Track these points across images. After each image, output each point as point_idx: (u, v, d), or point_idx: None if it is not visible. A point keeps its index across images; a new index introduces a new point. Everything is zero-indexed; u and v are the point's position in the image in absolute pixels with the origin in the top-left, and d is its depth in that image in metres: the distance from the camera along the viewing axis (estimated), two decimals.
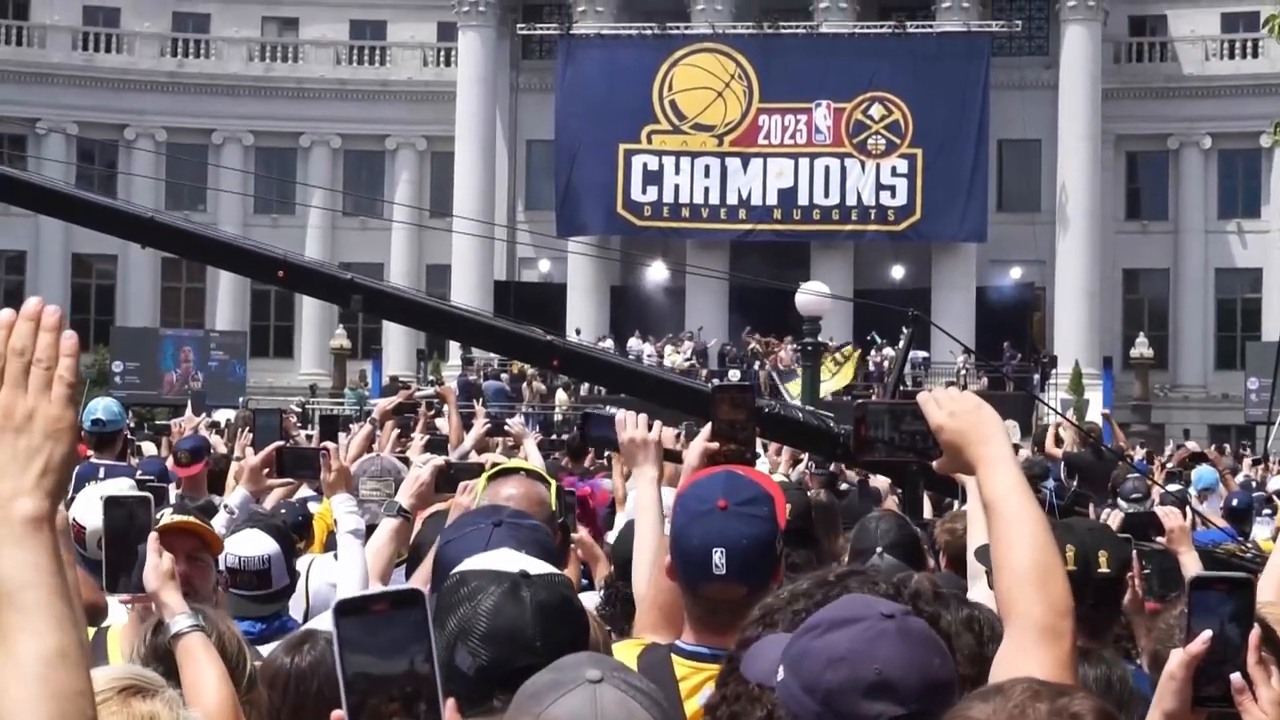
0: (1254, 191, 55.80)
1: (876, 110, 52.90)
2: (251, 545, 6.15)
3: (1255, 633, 2.72)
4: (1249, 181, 55.75)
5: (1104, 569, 4.56)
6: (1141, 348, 52.78)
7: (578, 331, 46.86)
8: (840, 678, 2.50)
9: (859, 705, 2.48)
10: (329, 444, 7.33)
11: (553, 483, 4.95)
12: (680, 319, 53.03)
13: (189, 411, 22.11)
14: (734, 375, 43.94)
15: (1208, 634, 2.69)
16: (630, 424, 5.02)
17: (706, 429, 4.67)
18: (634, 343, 50.08)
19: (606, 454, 11.97)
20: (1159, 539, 6.08)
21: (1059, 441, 18.75)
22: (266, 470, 7.10)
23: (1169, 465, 20.77)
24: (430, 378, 49.06)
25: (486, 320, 12.44)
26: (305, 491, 9.27)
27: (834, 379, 43.88)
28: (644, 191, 53.96)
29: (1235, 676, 2.67)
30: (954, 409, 3.19)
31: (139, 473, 9.67)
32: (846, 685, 2.49)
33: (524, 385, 48.44)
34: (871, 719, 2.48)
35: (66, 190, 11.24)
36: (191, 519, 5.35)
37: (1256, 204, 55.65)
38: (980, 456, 3.11)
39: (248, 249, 10.94)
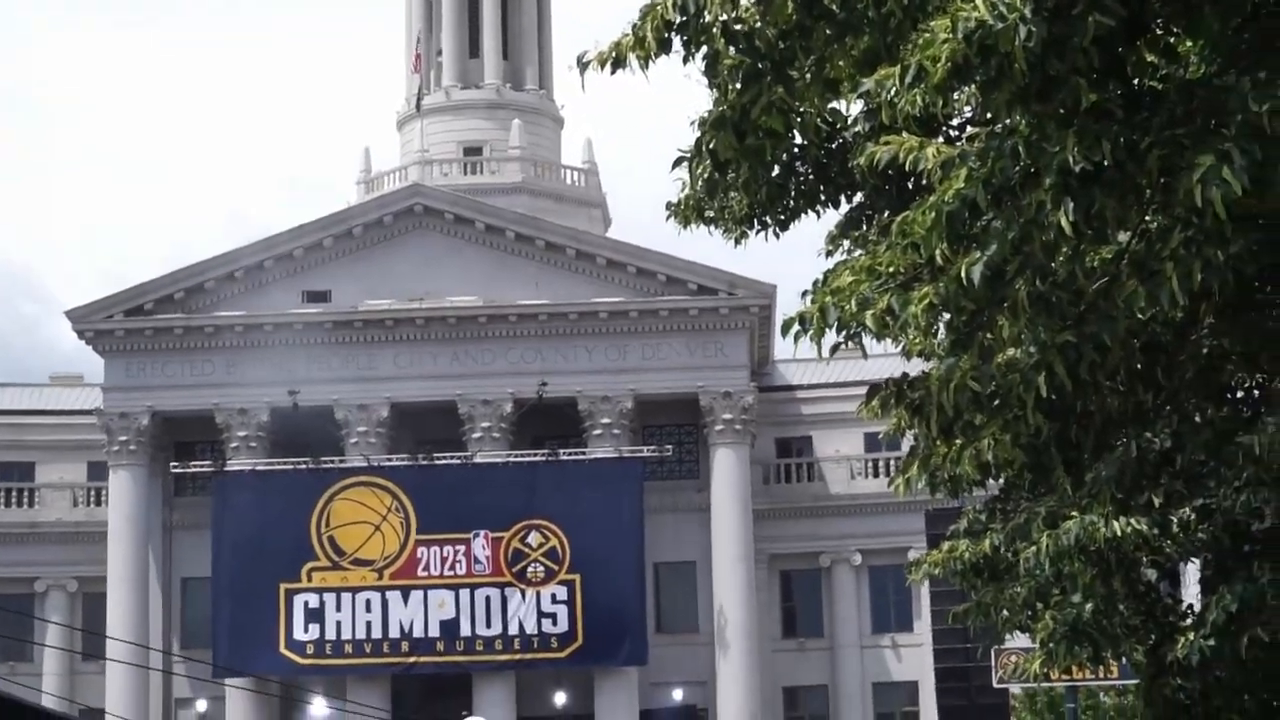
0: (905, 605, 63.21)
1: (534, 538, 59.12)
2: None
3: None
4: (899, 596, 63.21)
5: None
6: None
7: None
8: None
9: None
10: None
11: None
12: None
13: None
14: None
15: None
16: None
17: None
18: None
19: None
20: None
21: None
22: None
23: None
24: None
25: None
26: None
27: None
28: (306, 630, 58.86)
29: None
30: None
31: None
32: None
33: None
34: None
35: None
36: None
37: (908, 618, 63.04)
38: None
39: None
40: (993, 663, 36.36)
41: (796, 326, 10.20)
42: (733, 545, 61.11)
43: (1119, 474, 10.08)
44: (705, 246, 55.56)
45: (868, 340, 10.34)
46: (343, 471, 60.35)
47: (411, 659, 58.85)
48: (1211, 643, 10.80)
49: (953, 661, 43.62)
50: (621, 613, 58.31)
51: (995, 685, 38.78)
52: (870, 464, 64.23)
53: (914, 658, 61.47)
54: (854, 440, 64.47)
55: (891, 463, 62.57)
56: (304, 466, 59.93)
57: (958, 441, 10.44)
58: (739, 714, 59.89)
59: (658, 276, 61.85)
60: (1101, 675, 32.25)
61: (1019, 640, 15.70)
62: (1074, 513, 10.71)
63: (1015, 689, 46.45)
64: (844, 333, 10.20)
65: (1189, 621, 11.37)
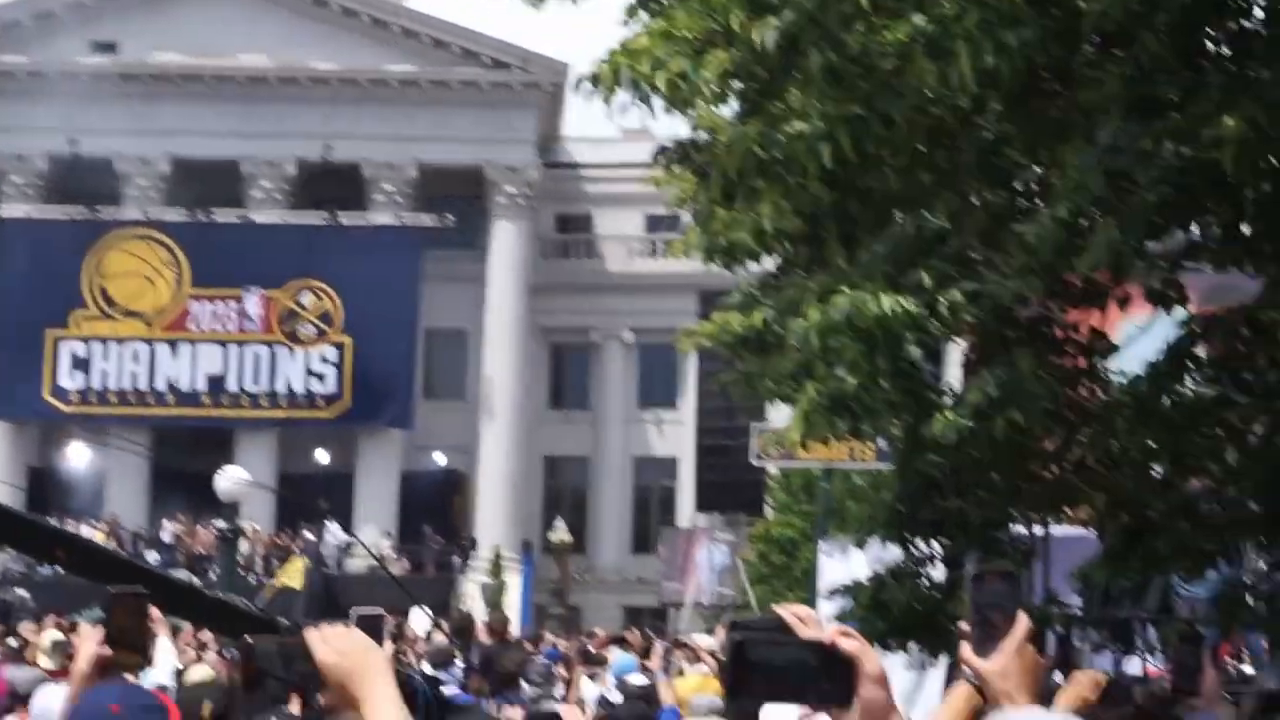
0: (671, 384, 63.85)
1: (308, 299, 58.57)
2: None
3: None
4: (667, 373, 63.85)
5: None
6: (560, 532, 59.40)
7: None
8: None
9: None
10: None
11: None
12: (100, 502, 57.17)
13: None
14: (153, 557, 48.75)
15: None
16: None
17: (98, 633, 4.83)
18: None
19: None
20: None
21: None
22: None
23: (592, 649, 23.99)
24: None
25: None
26: None
27: (285, 576, 48.79)
28: (71, 377, 58.22)
29: None
30: (341, 647, 3.46)
31: None
32: None
33: None
34: None
35: None
36: None
37: (674, 395, 63.79)
38: (364, 694, 3.41)
39: None
40: (752, 441, 37.05)
41: (588, 84, 10.08)
42: (506, 316, 61.27)
43: (893, 250, 10.16)
44: (507, 24, 54.89)
45: (659, 109, 10.25)
46: (119, 223, 59.15)
47: (176, 411, 58.36)
48: (968, 423, 10.98)
49: (714, 439, 44.46)
50: (389, 376, 58.26)
51: (754, 463, 39.61)
52: (649, 244, 64.44)
53: (676, 434, 62.26)
54: (634, 220, 64.63)
55: (670, 243, 62.91)
56: (79, 216, 58.52)
57: (738, 207, 10.44)
58: (499, 479, 60.45)
59: (452, 48, 60.97)
60: (854, 456, 32.97)
61: (781, 412, 15.88)
62: (845, 289, 10.73)
63: (772, 469, 47.48)
64: (635, 95, 10.08)
65: (949, 401, 11.56)
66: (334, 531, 53.06)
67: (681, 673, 19.73)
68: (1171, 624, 14.87)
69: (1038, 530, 16.37)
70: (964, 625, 3.73)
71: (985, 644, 3.66)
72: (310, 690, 3.51)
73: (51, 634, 21.26)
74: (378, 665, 3.48)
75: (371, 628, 3.77)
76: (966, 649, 3.74)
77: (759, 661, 3.23)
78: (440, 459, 61.00)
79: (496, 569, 55.55)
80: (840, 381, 11.22)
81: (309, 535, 53.26)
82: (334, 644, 3.49)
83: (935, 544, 13.56)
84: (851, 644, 3.23)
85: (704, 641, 19.56)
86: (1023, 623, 3.68)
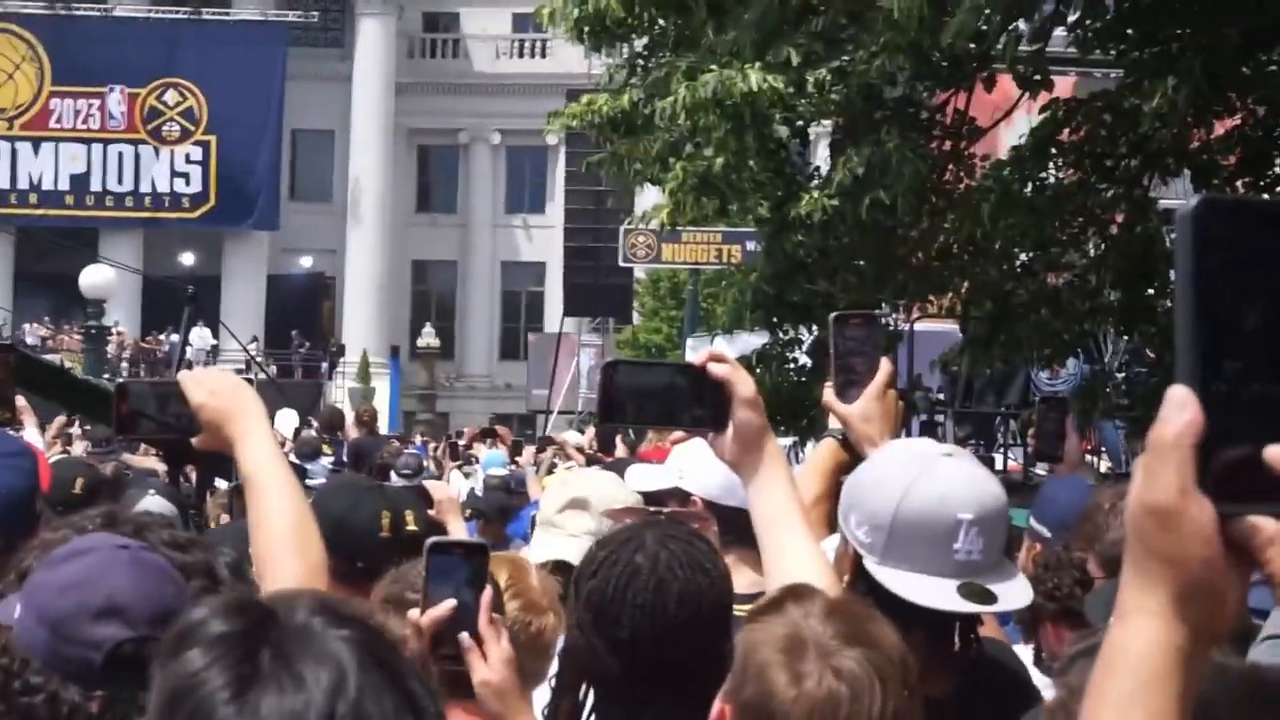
0: (540, 188, 63.70)
1: (171, 96, 57.61)
2: None
3: (486, 594, 3.19)
4: (535, 178, 63.64)
5: (412, 527, 5.17)
6: (428, 337, 59.37)
7: None
8: (70, 604, 2.63)
9: (88, 629, 2.61)
10: None
11: None
12: None
13: None
14: None
15: (451, 603, 3.15)
16: None
17: None
18: None
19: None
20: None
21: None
22: None
23: (460, 443, 23.52)
24: None
25: None
26: None
27: None
28: None
29: (464, 636, 3.14)
30: (214, 387, 3.44)
31: None
32: (76, 610, 2.62)
33: None
34: (100, 641, 2.60)
35: None
36: None
37: (542, 200, 63.53)
38: (239, 434, 3.39)
39: None
40: (620, 243, 37.03)
41: None
42: (372, 117, 60.48)
43: (761, 20, 10.06)
44: None
45: None
46: None
47: (39, 211, 57.34)
48: (835, 202, 10.98)
49: (582, 241, 44.29)
50: (255, 177, 57.60)
51: (621, 265, 39.63)
52: (516, 44, 63.73)
53: (545, 239, 62.00)
54: (502, 20, 63.76)
55: (538, 43, 62.20)
56: None
57: None
58: (366, 283, 60.05)
59: None
60: (721, 259, 33.08)
61: (650, 197, 15.83)
62: (714, 67, 10.65)
63: (640, 272, 47.55)
64: None
65: (816, 182, 11.55)
66: (200, 335, 52.54)
67: (552, 469, 19.74)
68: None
69: (903, 323, 16.52)
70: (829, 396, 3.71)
71: (848, 389, 3.65)
72: (183, 431, 3.47)
73: None
74: (251, 404, 3.44)
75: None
76: (829, 393, 3.72)
77: (630, 387, 3.18)
78: (306, 262, 60.51)
79: (364, 374, 55.42)
80: (708, 161, 11.19)
81: (174, 338, 52.69)
82: (208, 384, 3.45)
83: (802, 329, 13.60)
84: (723, 368, 3.17)
85: (573, 438, 19.53)
86: (885, 367, 3.67)
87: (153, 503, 6.23)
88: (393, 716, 1.75)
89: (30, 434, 14.64)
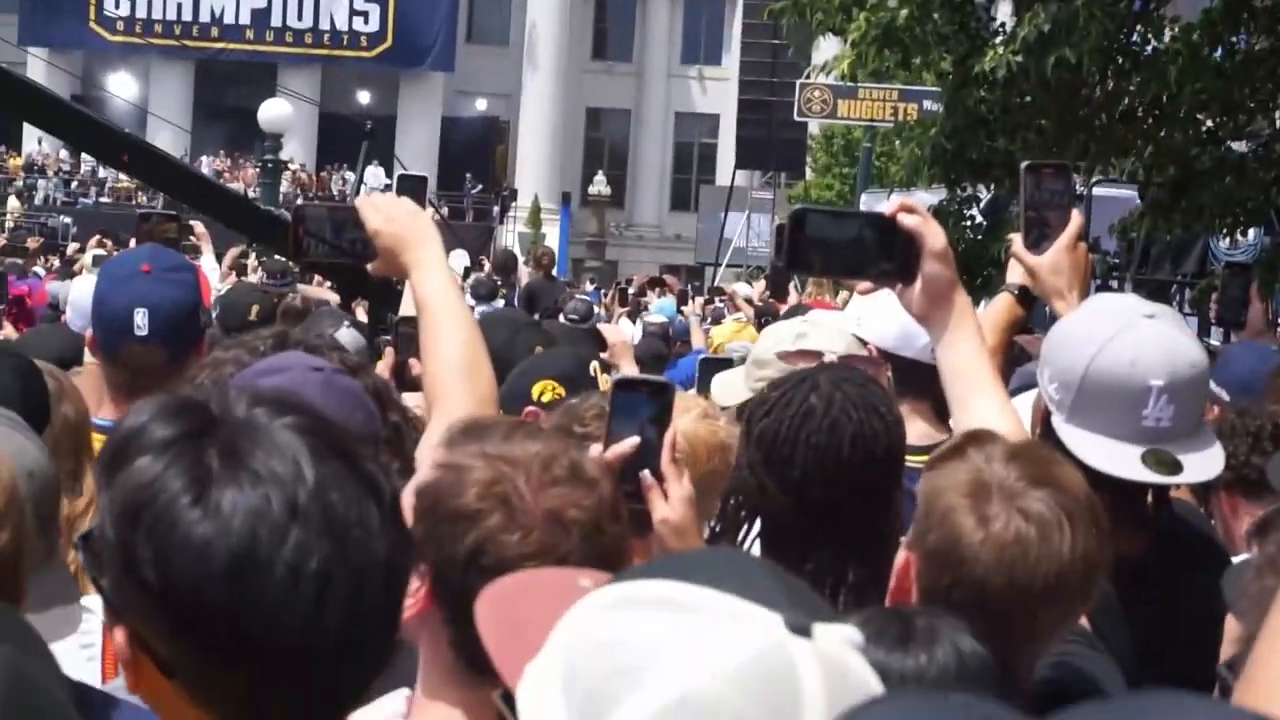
0: (716, 39, 63.13)
1: None
2: None
3: (670, 433, 3.08)
4: (712, 29, 63.11)
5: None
6: (600, 185, 59.20)
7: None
8: None
9: None
10: None
11: None
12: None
13: None
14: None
15: (635, 439, 3.04)
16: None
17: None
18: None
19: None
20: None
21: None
22: None
23: (630, 291, 23.96)
24: None
25: (54, 96, 14.59)
26: None
27: None
28: (117, 6, 57.46)
29: (645, 473, 3.05)
30: (391, 214, 3.42)
31: None
32: None
33: None
34: None
35: None
36: None
37: (718, 51, 62.96)
38: (415, 261, 3.39)
39: None
40: (796, 97, 36.58)
41: None
42: None
43: None
44: None
45: None
46: None
47: (219, 44, 57.78)
48: (1019, 59, 10.76)
49: (757, 94, 43.91)
50: (433, 17, 57.54)
51: (796, 119, 39.23)
52: None
53: (719, 91, 61.50)
54: None
55: None
56: None
57: None
58: (540, 128, 60.02)
59: None
60: (898, 115, 32.61)
61: (830, 48, 15.58)
62: None
63: (814, 128, 47.11)
64: None
65: (1000, 38, 11.32)
66: (375, 174, 52.96)
67: (720, 320, 19.77)
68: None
69: (1081, 185, 16.23)
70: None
71: (1038, 241, 3.60)
72: (359, 256, 3.45)
73: (95, 250, 21.35)
74: (428, 232, 3.44)
75: (414, 190, 3.68)
76: (1018, 244, 3.67)
77: (817, 237, 3.16)
78: (481, 105, 60.62)
79: (535, 219, 55.56)
80: (892, 12, 11.01)
81: (349, 175, 53.18)
82: (385, 210, 3.44)
83: (980, 187, 13.42)
84: (914, 219, 3.13)
85: (743, 290, 19.53)
86: (1075, 219, 3.62)
87: (345, 335, 6.31)
88: (355, 502, 1.75)
89: (207, 261, 14.95)
